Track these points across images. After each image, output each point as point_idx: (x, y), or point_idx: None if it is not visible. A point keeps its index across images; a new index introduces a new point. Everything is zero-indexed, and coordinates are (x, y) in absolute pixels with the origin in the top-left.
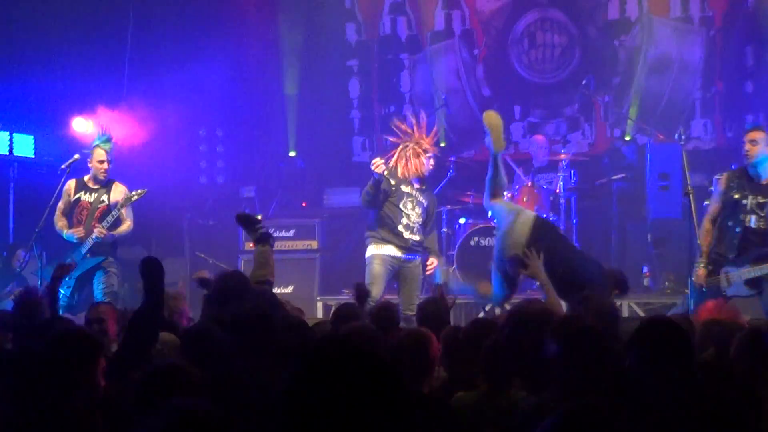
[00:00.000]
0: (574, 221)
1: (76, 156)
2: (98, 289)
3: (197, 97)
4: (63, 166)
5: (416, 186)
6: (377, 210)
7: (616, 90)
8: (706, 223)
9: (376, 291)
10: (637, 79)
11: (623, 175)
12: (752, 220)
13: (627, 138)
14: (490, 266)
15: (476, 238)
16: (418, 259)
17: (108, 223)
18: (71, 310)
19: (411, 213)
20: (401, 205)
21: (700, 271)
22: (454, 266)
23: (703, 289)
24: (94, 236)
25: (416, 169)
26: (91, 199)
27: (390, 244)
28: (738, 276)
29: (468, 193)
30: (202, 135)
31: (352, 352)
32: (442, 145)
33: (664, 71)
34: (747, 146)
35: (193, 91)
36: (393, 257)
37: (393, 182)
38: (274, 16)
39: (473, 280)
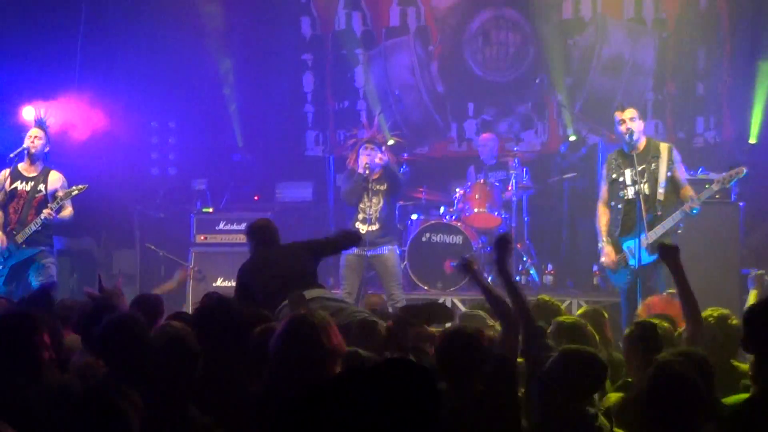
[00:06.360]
0: (526, 219)
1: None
2: (36, 280)
3: (150, 89)
4: (11, 155)
5: (373, 178)
6: None
7: (568, 89)
8: (600, 207)
9: (349, 287)
10: (589, 78)
11: (575, 173)
12: (632, 192)
13: (571, 138)
14: (441, 261)
15: (428, 234)
16: (387, 250)
17: (53, 209)
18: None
19: (367, 206)
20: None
21: (606, 248)
22: (405, 262)
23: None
24: (42, 218)
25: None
26: (28, 188)
27: None
28: (635, 245)
29: (420, 189)
30: (155, 127)
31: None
32: (390, 142)
33: (616, 72)
34: (628, 123)
35: (145, 83)
36: (356, 254)
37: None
38: (229, 7)
39: (426, 276)
